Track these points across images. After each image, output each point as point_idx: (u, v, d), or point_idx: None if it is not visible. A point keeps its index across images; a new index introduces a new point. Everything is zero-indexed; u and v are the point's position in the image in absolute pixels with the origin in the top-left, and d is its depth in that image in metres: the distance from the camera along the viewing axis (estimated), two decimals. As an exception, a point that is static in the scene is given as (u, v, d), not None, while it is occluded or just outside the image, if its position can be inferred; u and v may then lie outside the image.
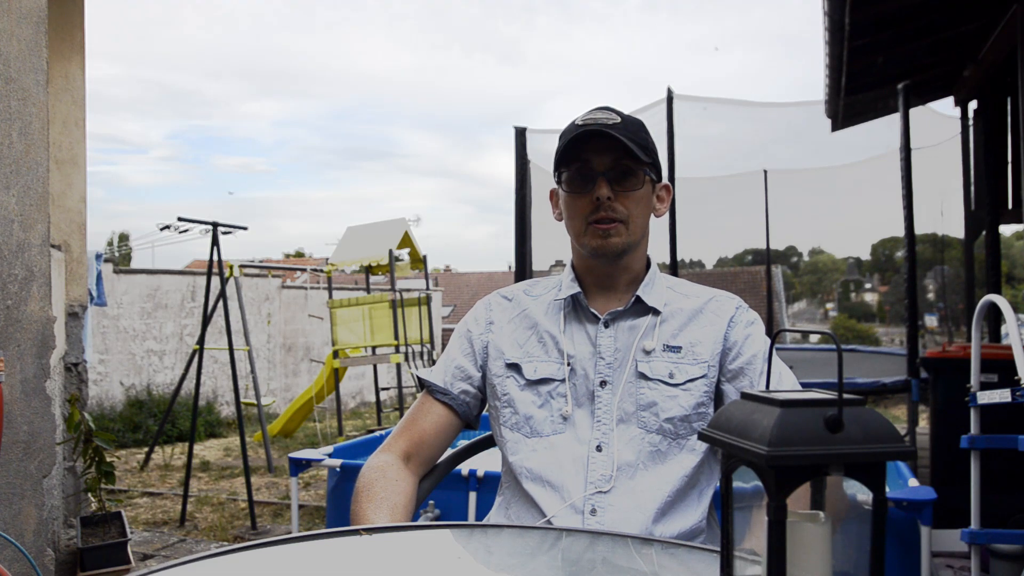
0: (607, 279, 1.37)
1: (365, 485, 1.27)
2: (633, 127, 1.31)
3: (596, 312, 1.35)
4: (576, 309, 1.37)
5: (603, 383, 1.30)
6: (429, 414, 1.39)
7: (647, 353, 1.31)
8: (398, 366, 7.92)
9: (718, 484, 1.31)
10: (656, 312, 1.34)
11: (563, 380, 1.31)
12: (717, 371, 1.32)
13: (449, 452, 1.45)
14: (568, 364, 1.32)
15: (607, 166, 1.29)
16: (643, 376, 1.29)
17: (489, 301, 1.46)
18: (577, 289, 1.36)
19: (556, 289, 1.41)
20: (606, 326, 1.34)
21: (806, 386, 0.78)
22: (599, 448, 1.26)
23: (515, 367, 1.35)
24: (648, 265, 1.41)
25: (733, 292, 1.42)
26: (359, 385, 13.11)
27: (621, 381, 1.30)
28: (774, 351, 1.25)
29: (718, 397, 1.33)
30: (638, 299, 1.34)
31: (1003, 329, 5.99)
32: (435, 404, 1.39)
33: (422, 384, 1.42)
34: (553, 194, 1.42)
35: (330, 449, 3.73)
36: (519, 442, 1.32)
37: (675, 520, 1.25)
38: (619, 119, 1.30)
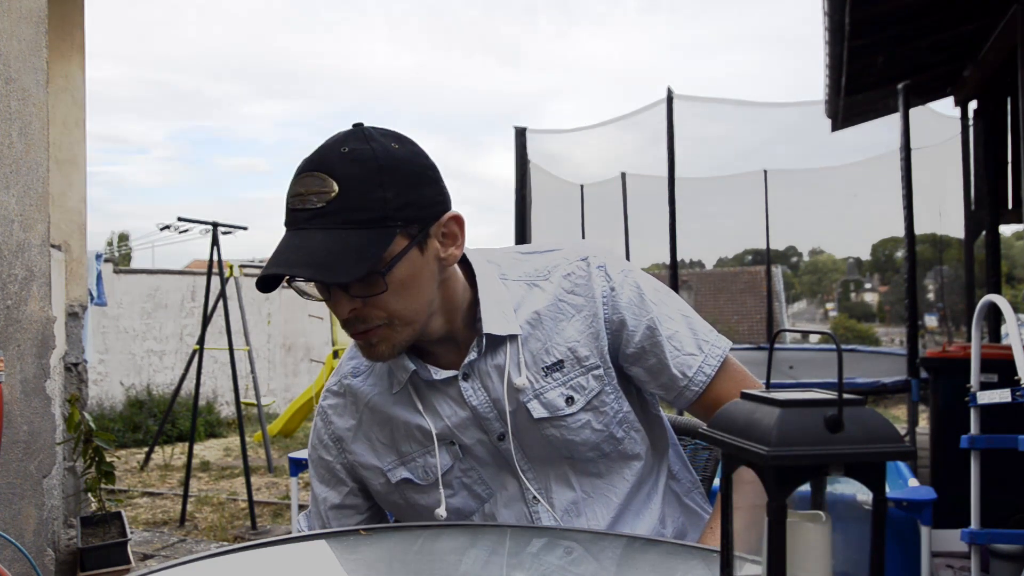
0: (436, 338, 1.10)
1: None
2: (357, 193, 0.95)
3: (447, 371, 1.11)
4: (423, 381, 1.12)
5: (501, 436, 1.11)
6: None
7: (522, 391, 1.09)
8: (398, 366, 7.90)
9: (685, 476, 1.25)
10: (514, 336, 1.11)
11: (460, 458, 1.12)
12: (614, 361, 1.13)
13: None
14: (452, 443, 1.12)
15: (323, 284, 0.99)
16: (540, 419, 1.10)
17: (323, 411, 1.21)
18: (412, 367, 1.10)
19: (386, 368, 1.14)
20: (466, 379, 1.11)
21: (806, 386, 0.78)
22: (535, 499, 1.13)
23: (405, 481, 1.14)
24: (473, 283, 1.12)
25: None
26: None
27: (519, 429, 1.11)
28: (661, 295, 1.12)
29: (624, 380, 1.16)
30: (489, 337, 1.10)
31: (1003, 329, 5.98)
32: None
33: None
34: None
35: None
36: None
37: (628, 525, 1.15)
38: (334, 190, 0.95)
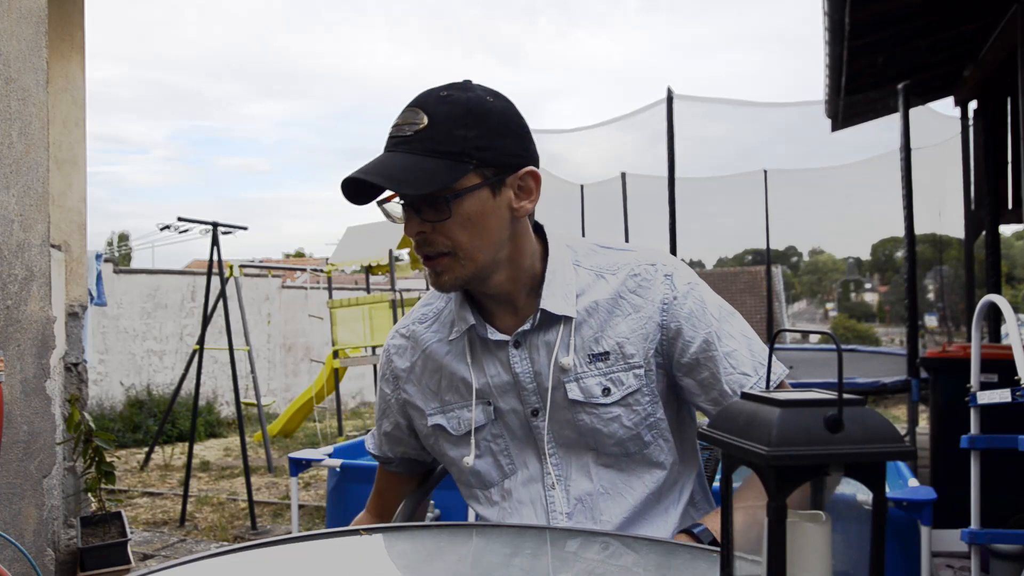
0: (498, 296, 1.16)
1: None
2: (443, 128, 1.05)
3: (502, 335, 1.16)
4: (478, 338, 1.18)
5: (535, 412, 1.16)
6: (383, 481, 1.39)
7: (566, 371, 1.13)
8: (398, 366, 7.90)
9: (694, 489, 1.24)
10: (569, 319, 1.15)
11: (494, 420, 1.18)
12: (664, 364, 1.16)
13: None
14: (489, 403, 1.18)
15: (411, 197, 1.07)
16: (575, 402, 1.14)
17: (388, 349, 1.29)
18: (471, 321, 1.17)
19: (451, 318, 1.21)
20: (516, 346, 1.16)
21: (806, 386, 0.77)
22: (553, 485, 1.16)
23: (438, 427, 1.22)
24: (545, 258, 1.18)
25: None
26: (359, 385, 13.10)
27: (553, 407, 1.15)
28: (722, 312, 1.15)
29: (674, 389, 1.18)
30: (545, 313, 1.14)
31: (1003, 329, 5.98)
32: (384, 472, 1.38)
33: None
34: None
35: (330, 449, 3.73)
36: (475, 496, 1.24)
37: (645, 530, 1.16)
38: (424, 123, 1.06)
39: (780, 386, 1.17)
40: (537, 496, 1.17)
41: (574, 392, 1.14)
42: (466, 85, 1.10)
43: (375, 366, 8.97)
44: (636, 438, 1.14)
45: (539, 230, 1.20)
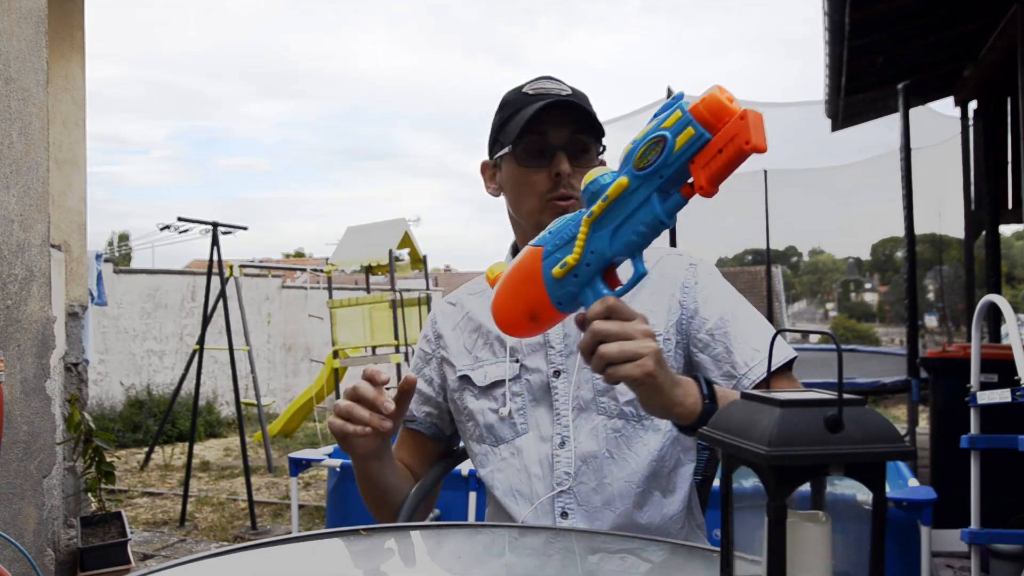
0: None
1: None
2: (584, 99, 1.25)
3: None
4: None
5: (557, 373, 1.24)
6: (404, 443, 1.41)
7: None
8: (398, 366, 7.91)
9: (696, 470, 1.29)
10: None
11: (515, 378, 1.26)
12: (681, 342, 1.24)
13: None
14: (516, 360, 1.26)
15: (564, 140, 1.21)
16: None
17: (435, 312, 1.40)
18: None
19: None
20: None
21: (806, 386, 0.78)
22: (562, 444, 1.21)
23: (465, 378, 1.30)
24: None
25: None
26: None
27: (575, 368, 1.23)
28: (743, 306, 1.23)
29: (690, 366, 1.26)
30: None
31: (1003, 329, 5.98)
32: (407, 432, 1.40)
33: None
34: (487, 167, 1.33)
35: (330, 449, 3.73)
36: (487, 454, 1.28)
37: (650, 509, 1.20)
38: (570, 90, 1.24)
39: (789, 367, 1.22)
40: (545, 456, 1.22)
41: None
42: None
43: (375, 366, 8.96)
44: None
45: None
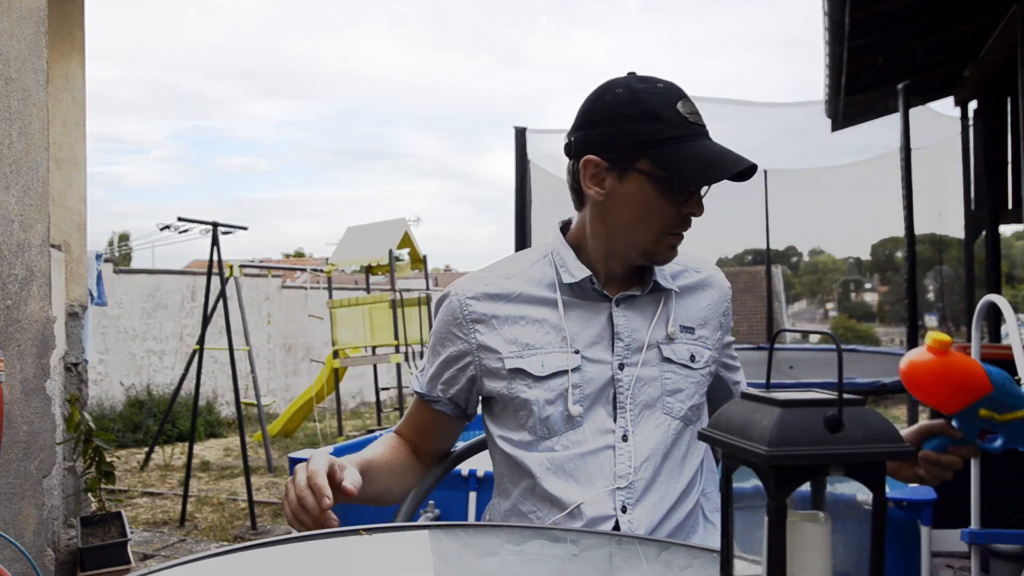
0: (627, 267, 1.27)
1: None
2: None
3: (608, 293, 1.26)
4: (580, 291, 1.26)
5: (622, 366, 1.23)
6: (422, 421, 1.37)
7: (669, 337, 1.26)
8: (398, 366, 7.92)
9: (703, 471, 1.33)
10: (669, 292, 1.29)
11: (576, 369, 1.22)
12: (718, 359, 1.34)
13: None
14: (577, 351, 1.23)
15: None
16: (668, 360, 1.25)
17: (462, 295, 1.29)
18: (587, 272, 1.24)
19: (549, 269, 1.28)
20: (619, 304, 1.25)
21: (806, 386, 0.77)
22: (624, 438, 1.21)
23: (518, 371, 1.23)
24: None
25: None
26: (359, 385, 13.10)
27: (643, 364, 1.23)
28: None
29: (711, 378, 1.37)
30: (655, 284, 1.27)
31: (1003, 329, 5.98)
32: (427, 411, 1.35)
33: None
34: (598, 166, 1.20)
35: (330, 449, 3.73)
36: (534, 442, 1.23)
37: (686, 508, 1.24)
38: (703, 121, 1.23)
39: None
40: (604, 448, 1.20)
41: (669, 352, 1.25)
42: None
43: (375, 366, 8.98)
44: (698, 408, 1.27)
45: None
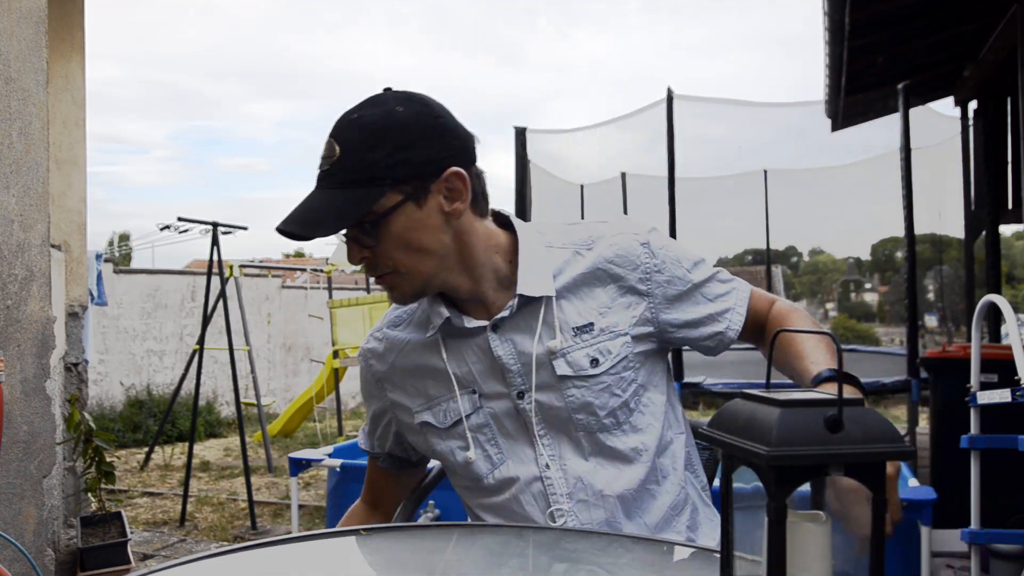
0: (464, 294, 1.17)
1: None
2: (354, 155, 1.06)
3: (479, 321, 1.17)
4: (454, 328, 1.18)
5: (520, 394, 1.15)
6: (373, 473, 1.38)
7: (553, 350, 1.14)
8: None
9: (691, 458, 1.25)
10: (547, 298, 1.16)
11: (477, 410, 1.17)
12: (652, 334, 1.18)
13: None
14: (472, 391, 1.17)
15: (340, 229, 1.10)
16: (564, 377, 1.14)
17: (365, 355, 1.29)
18: (446, 313, 1.16)
19: (424, 318, 1.22)
20: (495, 330, 1.16)
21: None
22: (548, 466, 1.15)
23: (425, 424, 1.21)
24: (513, 248, 1.18)
25: None
26: (359, 385, 13.07)
27: (540, 388, 1.15)
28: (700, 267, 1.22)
29: (660, 355, 1.22)
30: (523, 297, 1.15)
31: (1003, 329, 5.98)
32: (377, 468, 1.37)
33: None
34: (463, 179, 1.15)
35: (330, 449, 3.73)
36: (470, 488, 1.22)
37: (652, 502, 1.16)
38: (336, 154, 1.07)
39: (751, 295, 1.24)
40: (532, 480, 1.15)
41: (562, 368, 1.14)
42: (377, 99, 1.10)
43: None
44: (625, 406, 1.16)
45: (505, 222, 1.22)
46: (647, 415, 1.18)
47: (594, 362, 1.15)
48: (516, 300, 1.15)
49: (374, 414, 1.32)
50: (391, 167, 1.06)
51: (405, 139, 1.07)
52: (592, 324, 1.16)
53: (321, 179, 1.09)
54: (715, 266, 1.26)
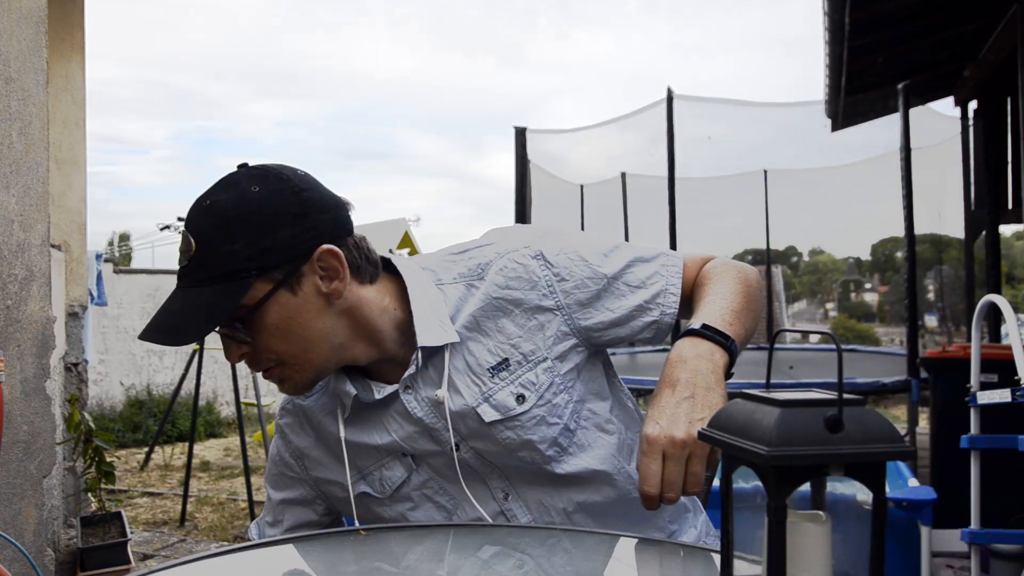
0: (370, 362, 1.10)
1: None
2: (210, 249, 0.97)
3: (390, 387, 1.08)
4: (366, 404, 1.10)
5: (457, 447, 1.08)
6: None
7: (471, 396, 1.06)
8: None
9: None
10: (447, 346, 1.07)
11: (416, 470, 1.11)
12: (575, 347, 1.09)
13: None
14: (406, 455, 1.10)
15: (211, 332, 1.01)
16: (493, 423, 1.06)
17: (282, 428, 1.19)
18: (353, 391, 1.08)
19: (329, 393, 1.13)
20: (407, 391, 1.08)
21: (806, 386, 0.77)
22: (506, 497, 1.10)
23: (365, 495, 1.13)
24: (405, 296, 1.08)
25: None
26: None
27: (472, 438, 1.08)
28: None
29: (592, 360, 1.13)
30: (426, 349, 1.06)
31: (1003, 329, 5.98)
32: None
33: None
34: (336, 256, 1.05)
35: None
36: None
37: (624, 508, 1.11)
38: (192, 248, 0.98)
39: (683, 268, 1.13)
40: (496, 513, 1.10)
41: (488, 413, 1.06)
42: (231, 180, 1.01)
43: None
44: (565, 431, 1.08)
45: (390, 268, 1.12)
46: (591, 428, 1.10)
47: (520, 399, 1.06)
48: (420, 353, 1.05)
49: (293, 483, 1.20)
50: (253, 256, 0.97)
51: (265, 223, 0.97)
52: (507, 360, 1.07)
53: (181, 277, 1.00)
54: (508, 238, 1.14)
